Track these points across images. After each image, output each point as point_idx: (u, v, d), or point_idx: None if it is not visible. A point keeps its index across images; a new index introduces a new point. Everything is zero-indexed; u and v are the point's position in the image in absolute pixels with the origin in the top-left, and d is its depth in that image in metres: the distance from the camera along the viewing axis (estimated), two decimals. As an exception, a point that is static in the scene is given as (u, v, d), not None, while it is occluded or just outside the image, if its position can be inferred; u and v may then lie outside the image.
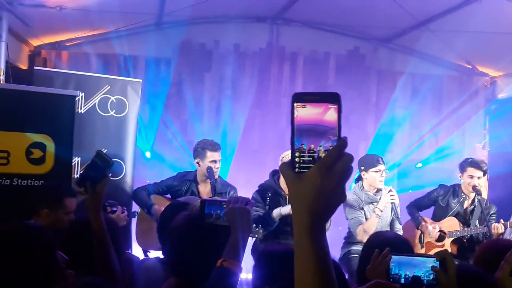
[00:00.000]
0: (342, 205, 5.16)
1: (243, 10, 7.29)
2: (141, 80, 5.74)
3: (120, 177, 5.36)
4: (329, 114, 1.04)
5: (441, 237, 5.19)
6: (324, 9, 6.86)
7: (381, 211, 4.98)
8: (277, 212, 4.72)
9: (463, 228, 5.09)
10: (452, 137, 7.52)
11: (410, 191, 6.64)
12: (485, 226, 4.90)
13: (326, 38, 7.46)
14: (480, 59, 7.22)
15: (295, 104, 1.05)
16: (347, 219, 5.13)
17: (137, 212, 5.22)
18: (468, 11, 5.85)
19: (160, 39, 7.17)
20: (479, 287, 1.92)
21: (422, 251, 5.17)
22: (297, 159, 1.05)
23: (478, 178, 5.08)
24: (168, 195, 5.31)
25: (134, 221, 5.34)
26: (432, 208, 5.40)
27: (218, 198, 2.42)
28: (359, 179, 5.26)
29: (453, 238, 5.11)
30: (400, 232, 5.09)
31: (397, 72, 7.47)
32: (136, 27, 7.00)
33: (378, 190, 5.18)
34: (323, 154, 1.03)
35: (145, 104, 7.12)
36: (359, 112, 7.44)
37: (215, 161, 5.08)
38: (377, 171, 5.07)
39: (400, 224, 5.18)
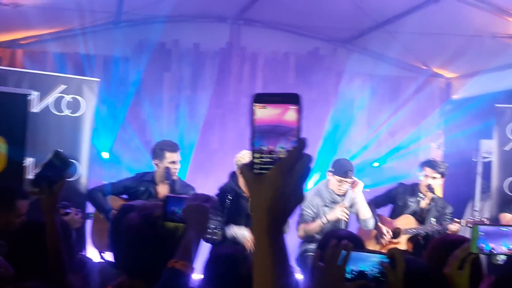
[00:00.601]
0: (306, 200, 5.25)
1: (204, 10, 7.26)
2: (98, 79, 5.64)
3: (75, 178, 5.25)
4: (289, 115, 1.03)
5: (397, 234, 5.28)
6: (284, 10, 6.90)
7: (328, 221, 4.96)
8: (230, 234, 4.73)
9: (419, 225, 5.20)
10: (408, 137, 7.66)
11: (367, 189, 6.71)
12: (440, 224, 5.02)
13: (287, 38, 7.50)
14: (436, 60, 7.39)
15: (255, 104, 1.04)
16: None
17: (92, 214, 5.12)
18: (425, 13, 5.99)
19: (119, 38, 7.06)
20: (425, 281, 1.95)
21: (378, 247, 5.25)
22: (256, 160, 1.04)
23: (434, 178, 5.19)
24: (125, 196, 5.22)
25: (89, 222, 5.23)
26: (390, 205, 5.49)
27: (182, 195, 2.34)
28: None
29: (409, 236, 5.20)
30: None
31: (356, 73, 7.57)
32: (94, 25, 6.88)
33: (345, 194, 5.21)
34: (283, 155, 1.03)
35: (103, 104, 7.00)
36: (319, 112, 7.50)
37: (174, 162, 5.03)
38: (340, 181, 5.08)
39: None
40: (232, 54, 7.52)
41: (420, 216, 5.28)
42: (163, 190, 5.14)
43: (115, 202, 5.09)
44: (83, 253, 3.56)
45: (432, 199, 5.16)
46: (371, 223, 5.12)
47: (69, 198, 4.75)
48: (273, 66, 7.56)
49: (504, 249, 2.04)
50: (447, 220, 5.16)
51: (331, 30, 7.29)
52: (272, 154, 1.03)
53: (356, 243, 2.74)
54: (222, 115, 7.41)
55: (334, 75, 7.68)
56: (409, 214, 5.27)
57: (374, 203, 5.41)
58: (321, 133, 7.47)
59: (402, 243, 5.20)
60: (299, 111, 1.03)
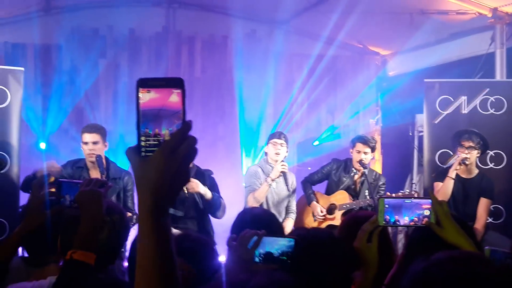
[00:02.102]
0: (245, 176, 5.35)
1: (137, -6, 7.14)
2: (23, 69, 5.48)
3: (5, 170, 5.11)
4: (174, 99, 1.06)
5: (332, 210, 5.39)
6: (219, -8, 6.87)
7: (272, 180, 5.19)
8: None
9: (353, 201, 5.32)
10: (347, 114, 7.79)
11: (309, 168, 6.82)
12: (371, 198, 5.15)
13: (223, 21, 7.46)
14: (371, 38, 7.51)
15: (140, 89, 1.06)
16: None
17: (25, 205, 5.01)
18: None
19: (49, 26, 6.88)
20: (326, 249, 1.98)
21: (315, 224, 5.36)
22: (143, 143, 1.06)
23: (365, 153, 5.30)
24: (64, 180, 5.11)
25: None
26: (326, 182, 5.60)
27: (76, 180, 2.31)
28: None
29: (343, 211, 5.32)
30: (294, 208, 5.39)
31: (293, 54, 7.62)
32: (23, 13, 6.67)
33: None
34: (167, 138, 1.05)
35: (37, 94, 6.83)
36: (258, 94, 7.54)
37: (86, 143, 4.94)
38: (274, 144, 5.24)
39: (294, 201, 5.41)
40: (168, 39, 7.44)
41: (354, 191, 5.40)
42: (96, 175, 5.06)
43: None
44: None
45: (364, 174, 5.29)
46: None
47: (0, 190, 4.67)
48: (211, 50, 7.52)
49: (406, 219, 2.11)
50: (380, 192, 5.30)
51: (267, 12, 7.29)
52: (158, 137, 1.06)
53: (272, 219, 2.80)
54: (161, 101, 7.33)
55: (272, 57, 7.70)
56: (343, 189, 5.39)
57: (310, 181, 5.50)
58: (262, 116, 7.51)
59: (337, 219, 5.32)
60: (183, 95, 1.06)
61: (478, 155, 5.14)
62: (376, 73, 7.96)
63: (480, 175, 5.22)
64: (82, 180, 2.15)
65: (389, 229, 2.30)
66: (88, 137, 4.94)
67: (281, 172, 5.22)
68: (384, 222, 2.11)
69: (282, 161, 5.26)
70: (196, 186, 4.79)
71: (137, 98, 1.06)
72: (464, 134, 5.13)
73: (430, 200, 2.06)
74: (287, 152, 5.37)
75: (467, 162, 5.06)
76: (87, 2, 6.83)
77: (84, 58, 7.07)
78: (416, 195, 4.98)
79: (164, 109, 1.06)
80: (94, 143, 4.93)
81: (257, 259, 1.91)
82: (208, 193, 4.84)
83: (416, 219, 2.10)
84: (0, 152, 5.17)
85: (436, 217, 2.04)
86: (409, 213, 2.10)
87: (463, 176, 5.16)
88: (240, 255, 1.91)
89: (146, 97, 1.06)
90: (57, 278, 1.91)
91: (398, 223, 2.13)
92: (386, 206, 2.12)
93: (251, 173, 5.36)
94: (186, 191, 4.82)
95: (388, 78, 7.90)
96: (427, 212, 2.07)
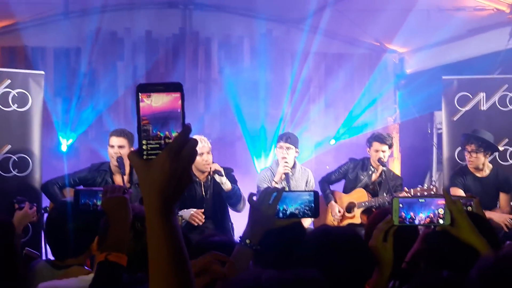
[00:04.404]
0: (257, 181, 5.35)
1: (154, -4, 7.21)
2: (43, 72, 5.57)
3: (27, 173, 5.21)
4: (173, 103, 1.09)
5: (351, 208, 5.39)
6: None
7: (277, 183, 5.15)
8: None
9: (371, 198, 5.31)
10: (365, 112, 7.75)
11: (327, 166, 6.81)
12: (390, 196, 5.13)
13: (239, 22, 7.48)
14: (388, 36, 7.47)
15: (140, 94, 1.09)
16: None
17: (48, 207, 5.09)
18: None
19: (68, 29, 6.97)
20: (344, 249, 2.01)
21: (335, 223, 5.36)
22: (144, 147, 1.09)
23: (383, 151, 5.29)
24: (81, 187, 5.19)
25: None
26: (343, 181, 5.60)
27: (94, 188, 2.38)
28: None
29: (362, 209, 5.31)
30: None
31: (310, 53, 7.60)
32: (43, 17, 6.78)
33: (292, 167, 5.32)
34: (169, 141, 1.08)
35: (56, 97, 6.93)
36: (276, 93, 7.55)
37: (112, 146, 4.99)
38: (280, 147, 5.23)
39: None
40: (185, 40, 7.48)
41: (372, 189, 5.39)
42: (120, 179, 5.12)
43: (72, 194, 5.05)
44: (29, 248, 3.54)
45: (383, 172, 5.27)
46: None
47: (22, 193, 4.75)
48: (227, 50, 7.54)
49: (422, 218, 2.11)
50: (397, 191, 5.29)
51: (283, 11, 7.30)
52: (159, 140, 1.09)
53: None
54: (178, 102, 7.37)
55: (289, 56, 7.71)
56: (361, 187, 5.38)
57: (327, 180, 5.51)
58: (279, 114, 7.52)
59: (357, 217, 5.31)
60: (182, 99, 1.10)
61: (487, 155, 5.18)
62: (394, 70, 7.91)
63: (495, 171, 5.26)
64: (101, 188, 2.20)
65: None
66: (115, 140, 4.99)
67: (284, 173, 5.17)
68: (399, 222, 2.11)
69: (286, 162, 5.18)
70: (219, 167, 4.81)
71: (137, 103, 1.09)
72: (467, 139, 5.20)
73: (444, 198, 2.06)
74: (297, 153, 5.32)
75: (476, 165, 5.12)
76: (104, 6, 6.89)
77: (102, 60, 7.16)
78: (434, 190, 4.95)
79: (165, 113, 1.09)
80: (120, 147, 4.98)
81: (280, 214, 1.99)
82: (227, 184, 4.85)
83: (431, 215, 2.10)
84: (22, 154, 5.26)
85: (450, 215, 2.03)
86: (424, 211, 2.10)
87: (478, 175, 5.18)
88: (262, 211, 1.96)
89: (146, 101, 1.09)
90: (93, 279, 1.98)
91: (413, 222, 2.13)
92: (401, 205, 2.12)
93: (261, 178, 5.39)
94: (204, 195, 4.88)
95: (406, 76, 7.84)
96: (441, 210, 2.07)
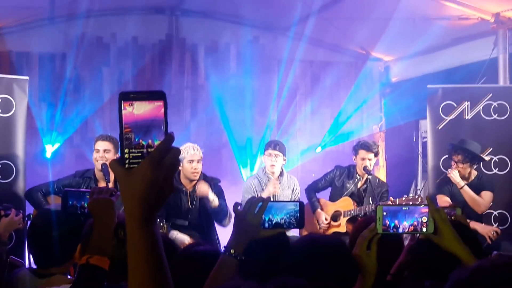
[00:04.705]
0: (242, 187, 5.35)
1: (140, 2, 7.18)
2: (27, 77, 5.53)
3: (10, 179, 5.15)
4: (156, 111, 1.08)
5: (337, 216, 5.40)
6: (222, 0, 6.89)
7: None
8: (171, 237, 4.73)
9: (357, 207, 5.33)
10: (351, 121, 7.78)
11: (313, 174, 6.82)
12: (375, 203, 5.15)
13: (226, 28, 7.48)
14: (373, 44, 7.51)
15: (123, 102, 1.08)
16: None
17: (32, 214, 5.03)
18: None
19: (54, 34, 6.94)
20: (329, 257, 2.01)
21: (321, 231, 5.36)
22: (126, 155, 1.08)
23: (369, 159, 5.31)
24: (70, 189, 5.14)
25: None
26: (329, 189, 5.61)
27: (82, 189, 2.36)
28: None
29: (348, 218, 5.32)
30: None
31: (296, 60, 7.62)
32: (28, 22, 6.73)
33: (280, 175, 5.32)
34: (151, 150, 1.07)
35: (41, 102, 6.87)
36: (262, 100, 7.56)
37: (98, 151, 4.98)
38: (269, 155, 5.23)
39: None
40: (172, 46, 7.47)
41: (358, 197, 5.41)
42: (103, 186, 5.09)
43: (56, 201, 5.01)
44: (13, 257, 3.49)
45: (368, 180, 5.29)
46: None
47: (5, 199, 4.70)
48: (214, 57, 7.53)
49: (405, 226, 2.12)
50: (383, 199, 5.31)
51: (270, 19, 7.32)
52: (141, 148, 1.08)
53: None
54: (164, 108, 7.34)
55: (276, 63, 7.72)
56: (347, 196, 5.39)
57: (313, 188, 5.52)
58: (265, 121, 7.53)
59: (342, 225, 5.31)
60: (165, 107, 1.09)
61: (473, 166, 5.27)
62: (379, 79, 7.96)
63: (478, 176, 5.35)
64: (89, 189, 2.19)
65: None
66: (100, 144, 4.98)
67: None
68: (382, 230, 2.11)
69: (276, 180, 5.21)
70: (206, 190, 4.79)
71: (120, 111, 1.08)
72: (453, 149, 5.28)
73: (427, 206, 2.07)
74: (284, 161, 5.34)
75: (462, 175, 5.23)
76: (90, 11, 6.85)
77: (87, 66, 7.12)
78: (420, 200, 4.99)
79: (147, 121, 1.08)
80: (105, 151, 4.96)
81: (266, 224, 1.99)
82: (215, 201, 4.84)
83: (415, 223, 2.10)
84: (6, 161, 5.20)
85: (434, 224, 2.04)
86: (408, 219, 2.11)
87: (464, 182, 5.23)
88: (247, 221, 1.95)
89: (129, 110, 1.08)
90: (73, 282, 1.95)
91: (397, 230, 2.13)
92: (384, 213, 2.12)
93: (245, 188, 5.39)
94: (190, 205, 4.86)
95: (391, 84, 7.89)
96: (425, 218, 2.07)
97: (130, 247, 1.10)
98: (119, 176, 1.09)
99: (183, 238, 4.71)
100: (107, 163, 4.97)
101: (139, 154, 1.08)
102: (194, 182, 4.92)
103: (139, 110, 1.08)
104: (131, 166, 1.08)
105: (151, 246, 1.09)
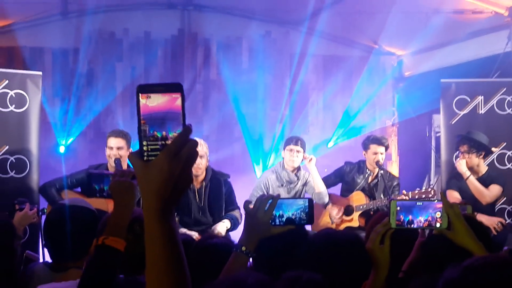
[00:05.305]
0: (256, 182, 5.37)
1: (152, -3, 7.20)
2: (40, 73, 5.55)
3: (24, 174, 5.20)
4: (173, 103, 1.09)
5: (349, 211, 5.39)
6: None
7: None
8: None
9: (369, 201, 5.31)
10: (363, 116, 7.75)
11: (325, 169, 6.81)
12: (388, 199, 5.14)
13: (238, 23, 7.48)
14: (386, 39, 7.47)
15: (140, 95, 1.09)
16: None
17: (46, 209, 5.07)
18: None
19: (66, 29, 6.98)
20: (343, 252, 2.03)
21: (333, 226, 5.36)
22: (145, 148, 1.08)
23: (381, 154, 5.30)
24: (79, 189, 5.19)
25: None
26: (340, 184, 5.60)
27: (105, 171, 2.38)
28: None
29: (360, 212, 5.31)
30: None
31: (309, 55, 7.60)
32: (41, 17, 6.77)
33: (298, 170, 5.32)
34: (169, 142, 1.08)
35: (54, 98, 6.92)
36: (274, 95, 7.56)
37: (111, 148, 4.99)
38: (290, 150, 5.22)
39: None
40: (184, 41, 7.47)
41: (370, 192, 5.40)
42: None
43: (70, 197, 5.05)
44: (29, 251, 3.53)
45: (379, 174, 5.28)
46: (326, 197, 5.23)
47: (20, 194, 4.75)
48: (226, 51, 7.53)
49: (421, 220, 2.11)
50: (395, 193, 5.29)
51: (282, 13, 7.30)
52: (159, 141, 1.08)
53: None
54: (177, 103, 7.36)
55: (288, 58, 7.70)
56: (359, 190, 5.38)
57: (325, 184, 5.50)
58: (277, 116, 7.52)
59: (355, 220, 5.30)
60: (182, 99, 1.09)
61: (480, 157, 5.21)
62: (392, 73, 7.91)
63: (488, 171, 5.31)
64: (111, 172, 2.21)
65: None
66: (113, 141, 5.00)
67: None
68: (396, 224, 2.11)
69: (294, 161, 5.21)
70: (222, 231, 4.78)
71: (138, 103, 1.09)
72: (460, 140, 5.24)
73: (441, 202, 2.06)
74: (304, 157, 5.30)
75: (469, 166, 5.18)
76: (103, 6, 6.88)
77: (100, 61, 7.15)
78: (432, 193, 4.97)
79: (165, 113, 1.09)
80: (119, 148, 4.98)
81: (277, 221, 2.01)
82: (228, 226, 4.84)
83: (429, 218, 2.10)
84: (20, 155, 5.25)
85: (447, 219, 2.03)
86: (422, 215, 2.10)
87: (474, 176, 5.20)
88: (258, 218, 1.96)
89: (147, 102, 1.09)
90: (88, 261, 1.98)
91: (410, 225, 2.13)
92: (398, 208, 2.12)
93: (257, 185, 5.38)
94: (198, 202, 4.86)
95: (404, 79, 7.84)
96: (439, 214, 2.07)
97: (148, 240, 1.10)
98: (137, 169, 1.09)
99: (192, 234, 4.73)
100: (121, 157, 5.00)
101: (157, 147, 1.08)
102: (201, 178, 4.91)
103: (154, 102, 1.08)
104: (150, 158, 1.08)
105: (169, 238, 1.09)
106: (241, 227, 2.28)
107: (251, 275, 1.43)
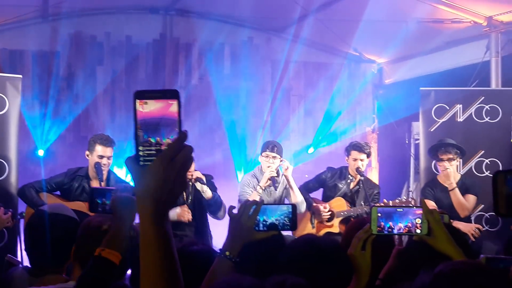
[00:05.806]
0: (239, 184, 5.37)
1: (135, 1, 7.17)
2: (20, 76, 5.51)
3: (3, 177, 5.13)
4: (170, 109, 1.11)
5: (330, 217, 5.41)
6: (217, 0, 6.90)
7: (263, 189, 5.18)
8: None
9: (350, 208, 5.35)
10: (343, 122, 7.81)
11: (306, 175, 6.83)
12: (368, 205, 5.18)
13: (220, 29, 7.48)
14: (367, 46, 7.55)
15: (137, 101, 1.10)
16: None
17: (24, 213, 5.01)
18: (353, 1, 6.14)
19: (47, 32, 6.91)
20: (324, 259, 2.04)
21: (313, 231, 5.37)
22: (141, 153, 1.10)
23: (362, 160, 5.34)
24: (58, 192, 5.14)
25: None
26: (321, 190, 5.62)
27: (108, 187, 2.40)
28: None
29: (340, 218, 5.34)
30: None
31: (291, 61, 7.65)
32: (21, 20, 6.69)
33: (277, 175, 5.33)
34: (165, 147, 1.09)
35: (34, 101, 6.85)
36: (256, 101, 7.57)
37: (102, 157, 4.96)
38: (266, 156, 5.23)
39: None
40: (166, 46, 7.46)
41: (350, 198, 5.44)
42: (96, 185, 5.08)
43: (49, 200, 4.99)
44: (10, 255, 3.49)
45: (360, 181, 5.32)
46: (302, 207, 5.24)
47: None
48: (208, 57, 7.53)
49: (400, 227, 2.14)
50: (375, 200, 5.34)
51: (264, 20, 7.33)
52: (155, 146, 1.10)
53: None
54: (158, 108, 7.34)
55: (269, 64, 7.74)
56: (340, 196, 5.42)
57: (306, 188, 5.54)
58: (259, 122, 7.54)
59: (335, 226, 5.33)
60: (179, 106, 1.11)
61: (457, 163, 5.30)
62: (373, 80, 8.00)
63: (463, 178, 5.36)
64: (113, 188, 2.24)
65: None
66: (105, 151, 4.95)
67: (270, 178, 5.19)
68: (377, 231, 2.14)
69: (269, 166, 5.21)
70: (200, 174, 4.81)
71: (135, 109, 1.10)
72: (440, 148, 5.25)
73: (421, 208, 2.09)
74: (281, 162, 5.31)
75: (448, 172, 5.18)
76: (84, 9, 6.84)
77: (81, 64, 7.10)
78: (413, 202, 5.03)
79: (161, 119, 1.10)
80: (109, 158, 4.96)
81: (261, 226, 2.05)
82: (208, 192, 4.85)
83: (409, 224, 2.13)
84: (-2, 159, 5.19)
85: (428, 225, 2.06)
86: (402, 221, 2.13)
87: (446, 185, 5.23)
88: (242, 223, 1.99)
89: (143, 108, 1.10)
90: (84, 272, 1.98)
91: (391, 231, 2.15)
92: (379, 214, 2.14)
93: (243, 182, 5.41)
94: (185, 200, 4.87)
95: (384, 86, 7.94)
96: (419, 220, 2.10)
97: (143, 244, 1.12)
98: (133, 174, 1.11)
99: (174, 211, 4.74)
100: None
101: (154, 152, 1.10)
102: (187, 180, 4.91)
103: (149, 108, 1.10)
104: (145, 163, 1.10)
105: (163, 242, 1.11)
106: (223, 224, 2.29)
107: (246, 278, 1.44)
